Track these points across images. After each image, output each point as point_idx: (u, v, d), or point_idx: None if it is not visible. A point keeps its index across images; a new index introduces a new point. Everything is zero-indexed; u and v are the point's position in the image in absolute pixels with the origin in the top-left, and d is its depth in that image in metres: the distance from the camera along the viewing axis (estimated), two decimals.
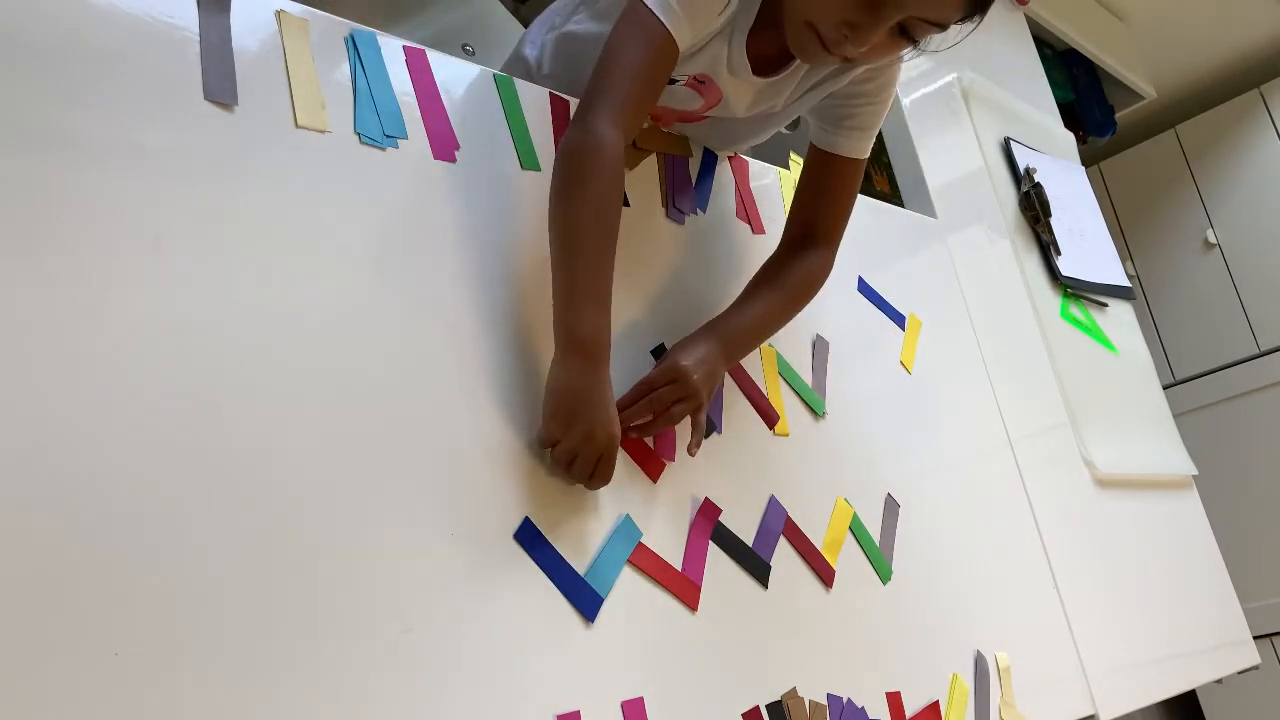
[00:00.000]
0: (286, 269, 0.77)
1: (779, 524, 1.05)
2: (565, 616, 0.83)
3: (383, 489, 0.76)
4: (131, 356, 0.67)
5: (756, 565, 1.01)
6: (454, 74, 0.96)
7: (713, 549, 0.97)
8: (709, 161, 1.18)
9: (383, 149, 0.87)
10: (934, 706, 1.11)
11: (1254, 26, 3.01)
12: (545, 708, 0.78)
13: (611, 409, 0.85)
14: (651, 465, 0.95)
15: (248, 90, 0.79)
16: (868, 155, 1.09)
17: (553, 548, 0.84)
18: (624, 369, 0.96)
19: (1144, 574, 1.64)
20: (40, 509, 0.60)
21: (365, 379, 0.78)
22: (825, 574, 1.07)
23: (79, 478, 0.62)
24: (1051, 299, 1.79)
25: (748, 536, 1.01)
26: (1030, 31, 2.31)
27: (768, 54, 1.00)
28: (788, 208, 1.14)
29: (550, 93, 1.03)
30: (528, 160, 0.98)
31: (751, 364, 1.12)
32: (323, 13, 0.87)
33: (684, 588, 0.92)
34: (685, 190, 1.13)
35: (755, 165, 1.26)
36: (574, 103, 1.03)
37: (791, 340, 1.18)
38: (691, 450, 0.95)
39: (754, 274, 1.09)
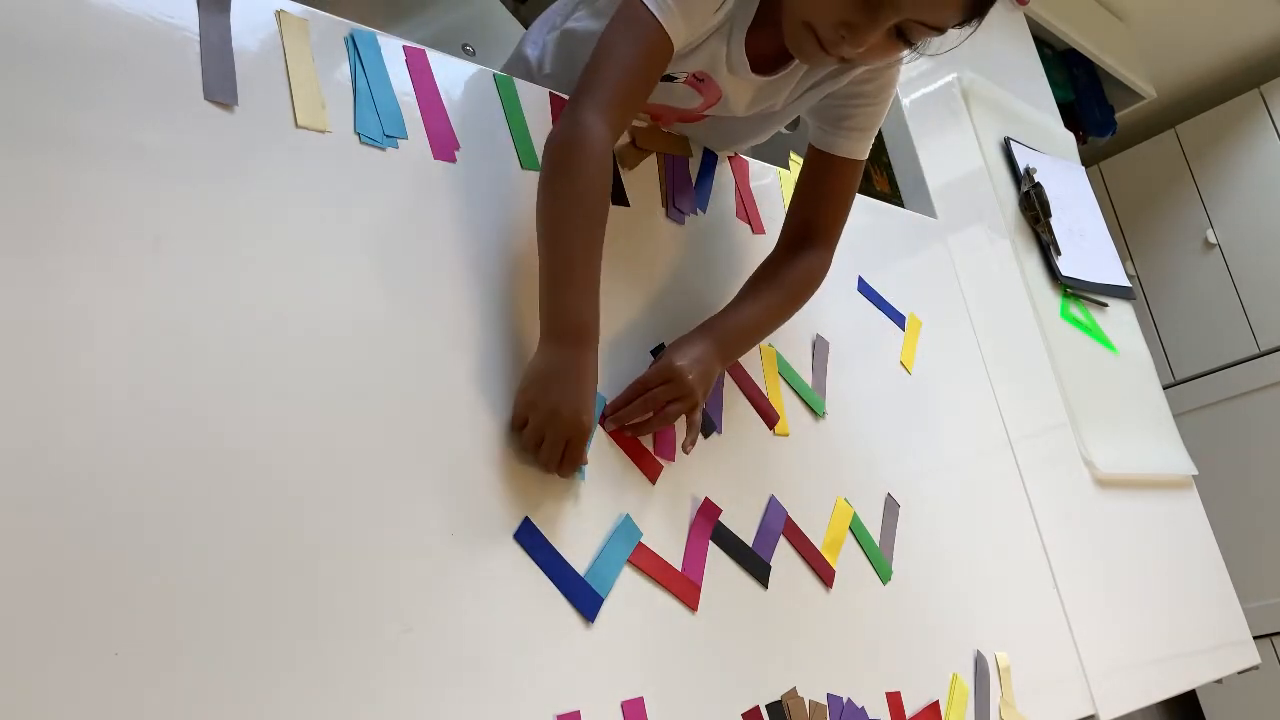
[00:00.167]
0: (286, 269, 0.77)
1: (779, 524, 1.05)
2: (565, 616, 0.83)
3: (383, 489, 0.76)
4: (131, 356, 0.67)
5: (756, 565, 1.01)
6: (454, 74, 0.96)
7: (713, 549, 0.97)
8: (709, 161, 1.18)
9: (383, 149, 0.87)
10: (934, 706, 1.12)
11: (1254, 26, 3.01)
12: (545, 708, 0.78)
13: (586, 392, 0.84)
14: (650, 466, 0.95)
15: (248, 90, 0.79)
16: (866, 156, 1.09)
17: (553, 548, 0.84)
18: (623, 369, 0.96)
19: (1144, 574, 1.64)
20: (40, 509, 0.60)
21: (365, 379, 0.78)
22: (825, 574, 1.07)
23: (79, 478, 0.62)
24: (1051, 299, 1.79)
25: (748, 536, 1.01)
26: (1030, 31, 2.31)
27: (767, 52, 1.00)
28: (787, 208, 1.14)
29: (550, 93, 1.03)
30: (528, 160, 0.98)
31: (751, 364, 1.12)
32: (323, 13, 0.87)
33: (684, 588, 0.92)
34: (685, 190, 1.13)
35: (755, 165, 1.26)
36: None
37: (791, 340, 1.18)
38: (686, 448, 0.95)
39: (752, 272, 1.09)
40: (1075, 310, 1.84)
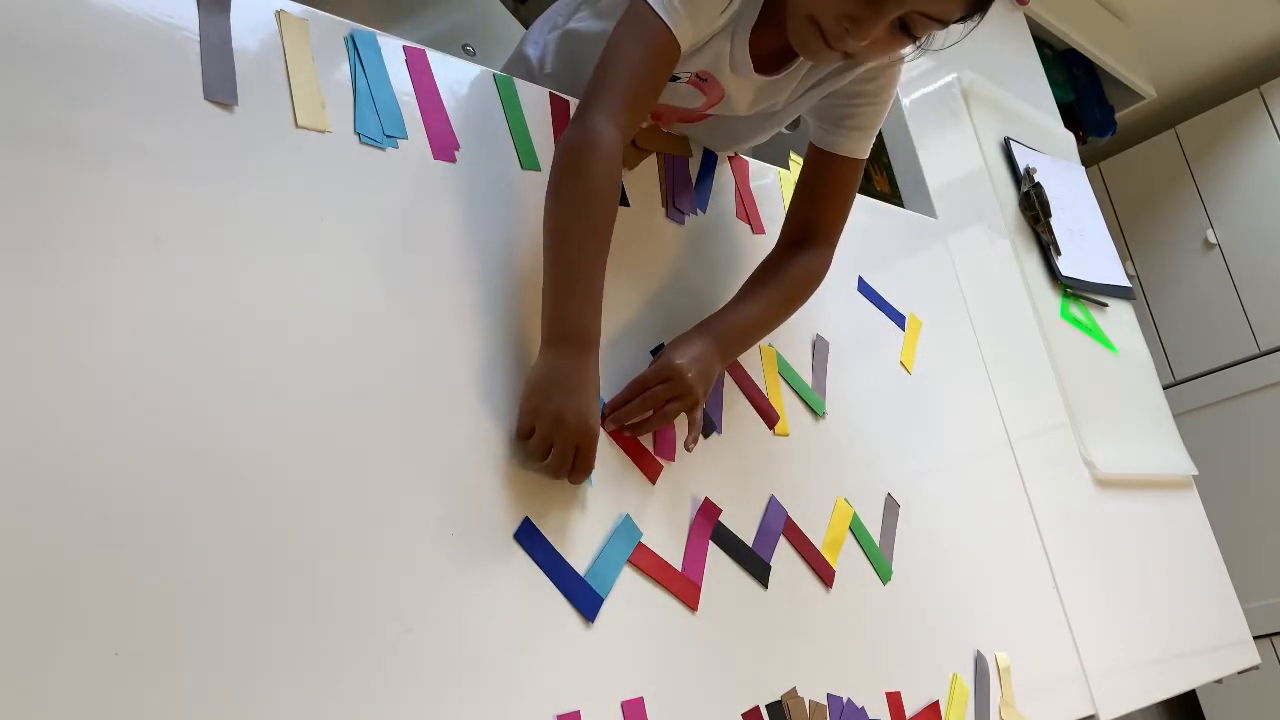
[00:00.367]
0: (286, 269, 0.77)
1: (779, 524, 1.05)
2: (565, 616, 0.83)
3: (383, 489, 0.76)
4: (131, 356, 0.67)
5: (756, 565, 1.01)
6: (454, 74, 0.96)
7: (713, 549, 0.97)
8: (709, 161, 1.18)
9: (383, 149, 0.87)
10: (934, 706, 1.12)
11: (1254, 26, 3.01)
12: (545, 708, 0.78)
13: (590, 397, 0.84)
14: (650, 466, 0.95)
15: (248, 90, 0.79)
16: (867, 155, 1.09)
17: (553, 548, 0.84)
18: (623, 368, 0.96)
19: (1144, 574, 1.64)
20: (40, 509, 0.60)
21: (365, 378, 0.78)
22: (825, 574, 1.07)
23: (79, 478, 0.62)
24: (1051, 299, 1.79)
25: (748, 536, 1.01)
26: (1030, 31, 2.31)
27: (770, 52, 1.00)
28: (787, 208, 1.14)
29: (550, 92, 1.03)
30: (528, 160, 0.98)
31: (751, 364, 1.12)
32: (323, 13, 0.87)
33: (684, 588, 0.92)
34: (685, 190, 1.13)
35: (755, 165, 1.26)
36: (574, 102, 1.03)
37: (791, 340, 1.18)
38: (689, 446, 0.95)
39: (752, 271, 1.09)
40: (1075, 310, 1.84)
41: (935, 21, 0.89)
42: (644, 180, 1.09)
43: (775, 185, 1.29)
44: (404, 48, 0.92)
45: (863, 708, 1.03)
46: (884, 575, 1.15)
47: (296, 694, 0.66)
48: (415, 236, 0.86)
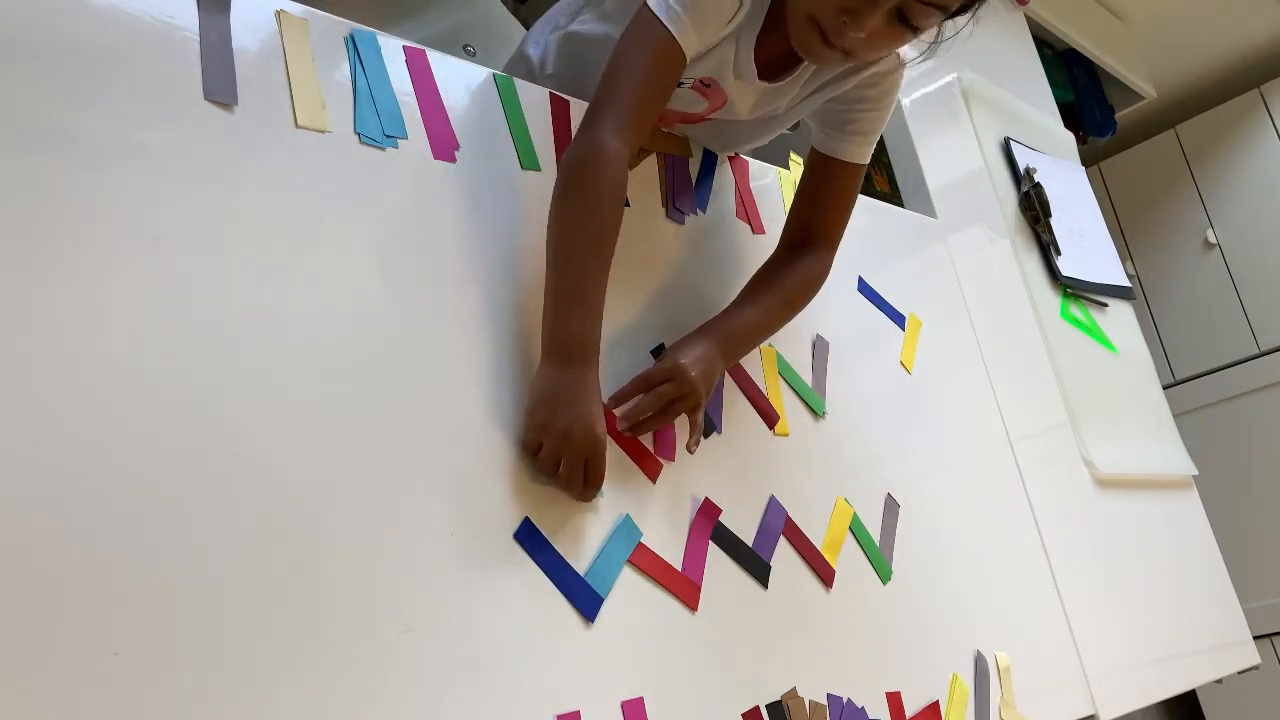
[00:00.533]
0: (286, 269, 0.77)
1: (779, 524, 1.05)
2: (565, 616, 0.83)
3: (383, 489, 0.76)
4: (131, 356, 0.67)
5: (756, 565, 1.01)
6: (454, 74, 0.96)
7: (713, 549, 0.97)
8: (709, 161, 1.18)
9: (383, 149, 0.87)
10: (934, 706, 1.12)
11: (1254, 26, 3.01)
12: (545, 707, 0.78)
13: (594, 409, 0.84)
14: (651, 466, 0.95)
15: (248, 90, 0.79)
16: (868, 161, 1.09)
17: (553, 548, 0.84)
18: (624, 369, 0.96)
19: (1144, 574, 1.64)
20: (40, 509, 0.60)
21: (365, 378, 0.78)
22: (825, 574, 1.07)
23: (79, 478, 0.62)
24: (1051, 299, 1.79)
25: (748, 536, 1.01)
26: (1030, 31, 2.30)
27: (774, 58, 1.00)
28: (788, 208, 1.14)
29: (550, 93, 1.03)
30: (528, 160, 0.98)
31: (751, 364, 1.12)
32: (323, 13, 0.87)
33: (684, 588, 0.92)
34: (685, 190, 1.13)
35: (755, 165, 1.26)
36: (575, 103, 1.03)
37: (791, 340, 1.18)
38: (690, 448, 0.95)
39: (753, 275, 1.09)
40: (1075, 310, 1.84)
41: (933, 8, 0.88)
42: (644, 180, 1.09)
43: (775, 185, 1.29)
44: (404, 48, 0.92)
45: (863, 708, 1.03)
46: (884, 575, 1.15)
47: (296, 694, 0.66)
48: (415, 236, 0.86)
